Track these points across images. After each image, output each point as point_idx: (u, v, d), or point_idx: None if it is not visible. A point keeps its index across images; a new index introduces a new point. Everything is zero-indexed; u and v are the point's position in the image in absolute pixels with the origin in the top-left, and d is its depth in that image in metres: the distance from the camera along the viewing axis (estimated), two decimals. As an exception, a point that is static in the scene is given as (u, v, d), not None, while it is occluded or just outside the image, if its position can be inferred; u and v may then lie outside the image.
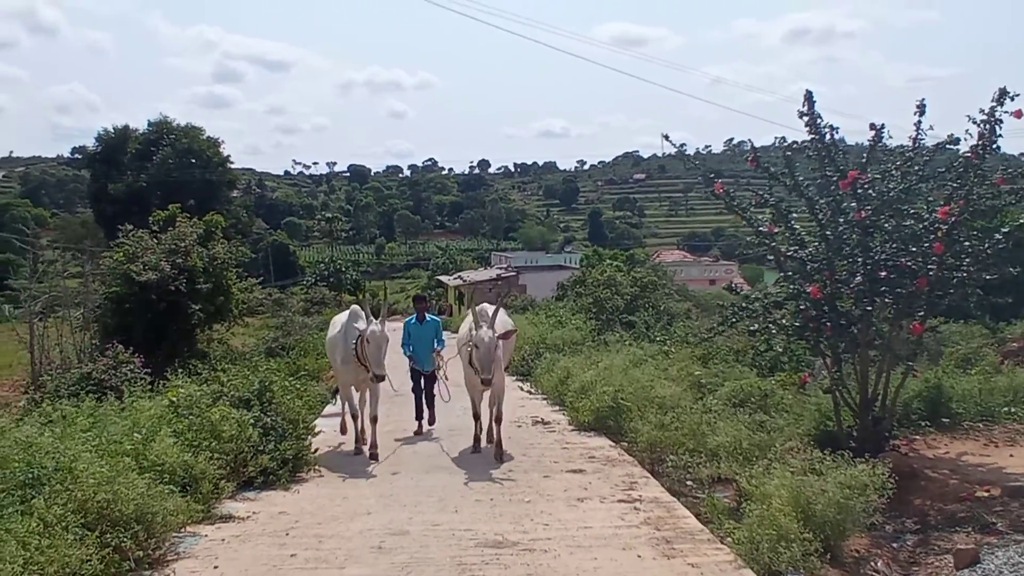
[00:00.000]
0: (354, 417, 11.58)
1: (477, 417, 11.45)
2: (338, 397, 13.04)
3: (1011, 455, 10.40)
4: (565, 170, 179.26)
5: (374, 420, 11.07)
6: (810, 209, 9.76)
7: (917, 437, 11.18)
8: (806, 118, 9.89)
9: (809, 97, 9.89)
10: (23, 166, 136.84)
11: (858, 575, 7.22)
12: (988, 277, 9.40)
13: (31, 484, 6.66)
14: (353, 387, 11.39)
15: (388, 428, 13.07)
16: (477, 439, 11.61)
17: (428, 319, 13.57)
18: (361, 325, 10.09)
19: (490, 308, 12.05)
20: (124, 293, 16.14)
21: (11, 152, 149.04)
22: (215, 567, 6.88)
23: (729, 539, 7.20)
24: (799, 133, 10.69)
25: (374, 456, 10.71)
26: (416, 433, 13.25)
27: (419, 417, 13.61)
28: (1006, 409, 12.47)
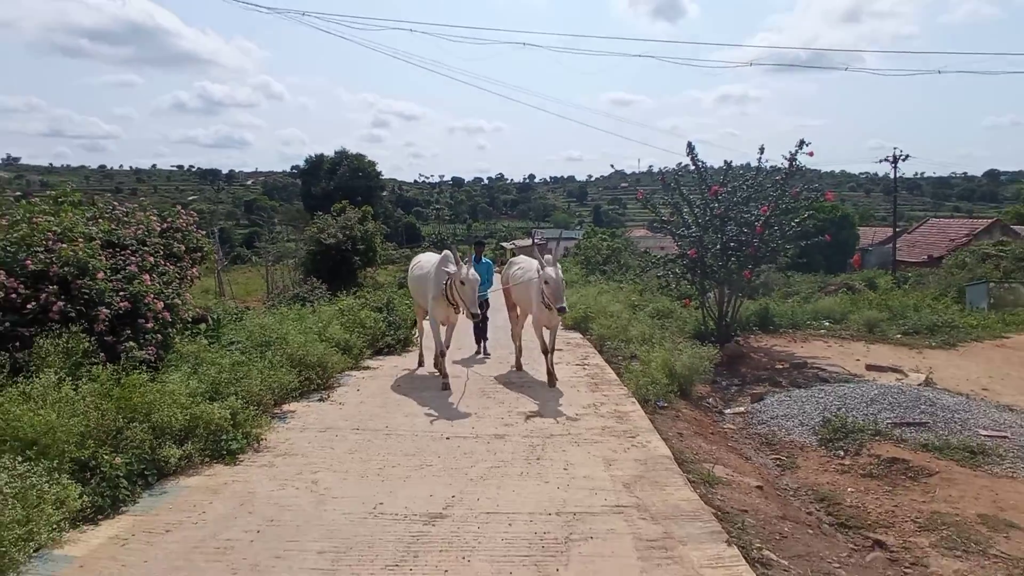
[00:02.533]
0: (441, 355, 7.60)
1: (546, 352, 7.67)
2: (416, 332, 9.62)
3: (802, 346, 10.96)
4: (580, 180, 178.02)
5: (443, 354, 7.59)
6: (690, 207, 10.01)
7: (750, 336, 11.74)
8: (689, 156, 10.00)
9: (690, 145, 9.86)
10: (263, 176, 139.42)
11: (698, 405, 7.72)
12: (788, 246, 9.86)
13: (265, 344, 7.06)
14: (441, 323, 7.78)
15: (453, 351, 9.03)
16: (549, 373, 7.62)
17: (483, 261, 9.73)
18: (451, 268, 7.30)
19: (523, 258, 8.90)
20: (317, 250, 16.34)
21: (256, 168, 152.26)
22: (358, 390, 7.23)
23: (629, 385, 7.39)
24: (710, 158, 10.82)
25: (446, 386, 7.30)
26: (476, 353, 9.61)
27: (478, 340, 9.82)
28: (810, 321, 13.04)
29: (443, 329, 7.80)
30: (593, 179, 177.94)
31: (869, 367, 9.29)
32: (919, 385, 8.10)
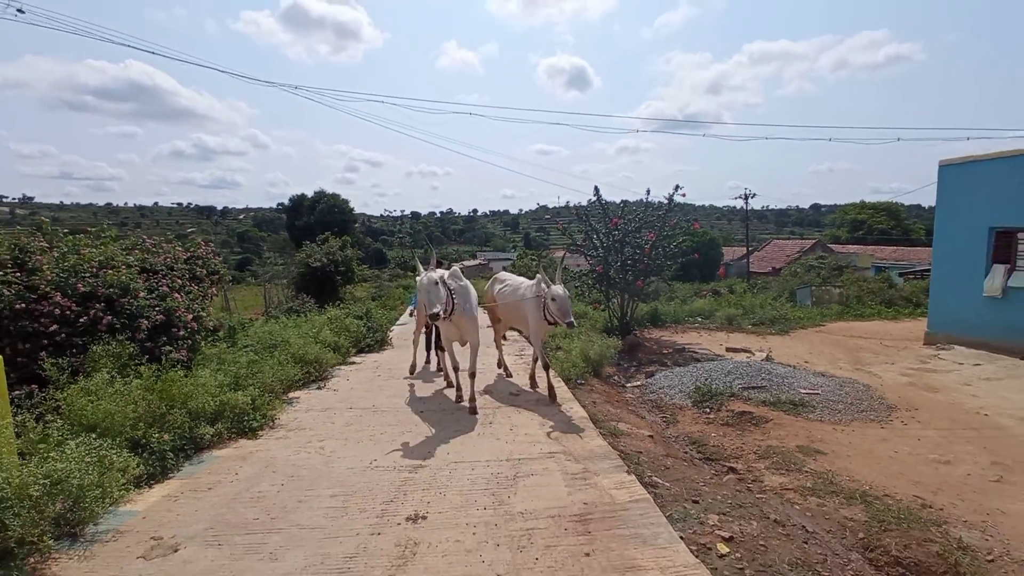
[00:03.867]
0: (547, 367, 6.19)
1: (547, 367, 6.25)
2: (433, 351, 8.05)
3: (681, 336, 11.67)
4: (514, 213, 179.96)
5: (473, 375, 5.83)
6: (597, 234, 10.57)
7: (644, 330, 12.42)
8: (596, 196, 10.65)
9: (596, 189, 10.36)
10: (253, 212, 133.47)
11: (606, 381, 8.20)
12: (669, 262, 10.53)
13: (272, 346, 7.07)
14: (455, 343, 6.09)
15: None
16: (551, 388, 6.19)
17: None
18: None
19: (507, 275, 7.50)
20: (306, 272, 16.18)
21: (247, 205, 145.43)
22: (347, 379, 7.16)
23: (555, 368, 7.53)
24: (610, 194, 11.51)
25: (473, 410, 5.59)
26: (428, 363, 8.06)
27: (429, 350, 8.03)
28: (687, 318, 13.88)
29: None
30: (523, 212, 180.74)
31: (728, 349, 10.06)
32: (762, 360, 8.89)
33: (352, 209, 56.17)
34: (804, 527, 3.70)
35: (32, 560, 2.81)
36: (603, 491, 3.73)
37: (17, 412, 3.64)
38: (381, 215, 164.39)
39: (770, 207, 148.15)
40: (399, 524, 3.26)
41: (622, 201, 11.17)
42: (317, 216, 47.96)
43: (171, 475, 4.02)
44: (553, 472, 4.09)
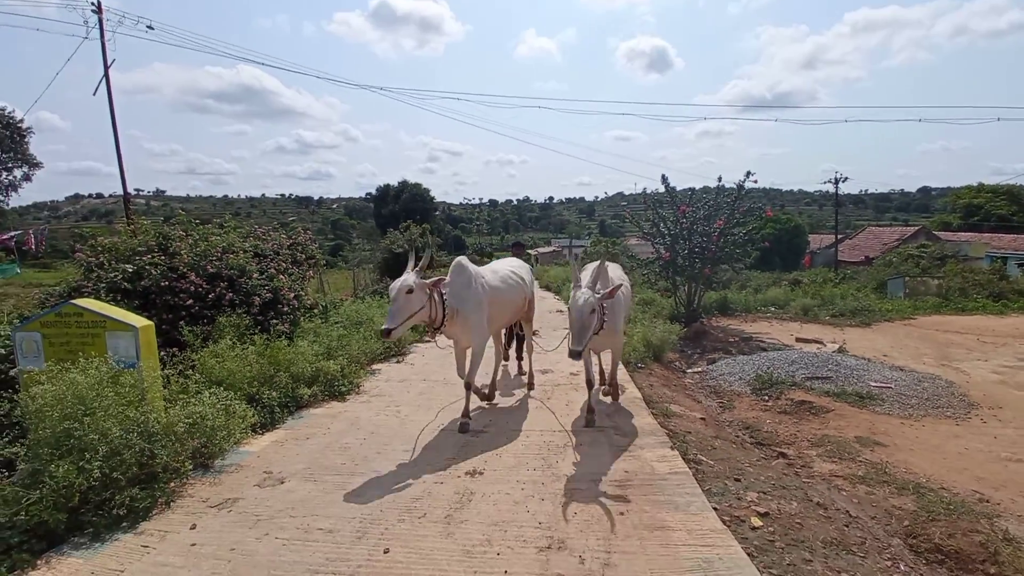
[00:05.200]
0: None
1: (590, 385, 4.78)
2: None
3: (751, 326, 11.35)
4: (589, 200, 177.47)
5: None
6: (664, 222, 10.50)
7: (712, 318, 12.14)
8: (664, 184, 10.56)
9: (664, 178, 10.24)
10: (345, 201, 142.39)
11: (667, 367, 8.24)
12: (738, 251, 10.22)
13: (359, 323, 7.64)
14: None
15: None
16: (590, 409, 4.72)
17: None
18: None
19: (594, 266, 4.73)
20: (389, 257, 17.04)
21: (339, 195, 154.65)
22: (423, 355, 7.52)
23: None
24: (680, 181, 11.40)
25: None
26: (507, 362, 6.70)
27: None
28: (759, 307, 13.35)
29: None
30: (599, 199, 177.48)
31: (799, 339, 9.69)
32: (833, 352, 8.51)
33: (433, 198, 58.41)
34: (848, 512, 3.72)
35: (172, 484, 3.53)
36: (645, 462, 3.95)
37: (163, 368, 4.48)
38: (460, 203, 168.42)
39: (868, 191, 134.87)
40: (459, 477, 3.71)
41: (690, 190, 10.93)
42: (401, 205, 50.39)
43: (278, 425, 4.74)
44: (601, 444, 4.35)
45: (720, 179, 10.44)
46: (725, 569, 2.67)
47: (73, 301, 3.95)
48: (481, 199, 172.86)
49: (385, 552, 2.76)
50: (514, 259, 5.88)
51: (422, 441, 4.37)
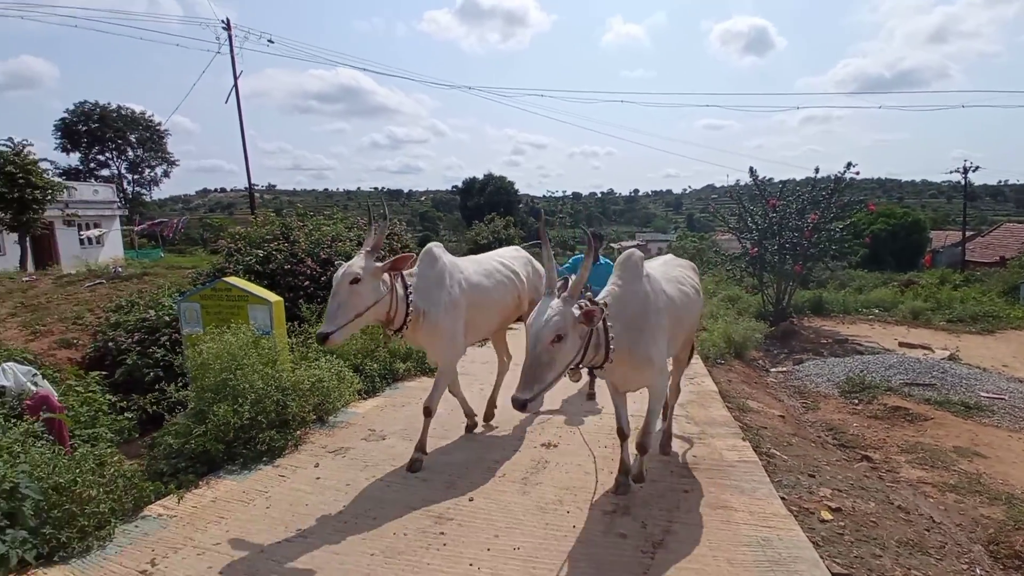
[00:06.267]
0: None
1: (622, 436, 3.19)
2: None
3: (848, 328, 10.67)
4: (676, 192, 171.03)
5: None
6: (751, 216, 10.14)
7: (804, 318, 11.50)
8: (752, 177, 10.12)
9: (752, 170, 9.84)
10: (432, 194, 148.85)
11: (749, 364, 8.06)
12: (835, 247, 9.63)
13: None
14: None
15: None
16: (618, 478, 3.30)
17: (601, 261, 5.15)
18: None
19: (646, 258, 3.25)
20: (473, 248, 17.26)
21: (427, 188, 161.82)
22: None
23: (696, 347, 8.10)
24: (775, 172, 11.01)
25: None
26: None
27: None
28: (860, 308, 12.43)
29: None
30: (688, 191, 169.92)
31: (902, 344, 9.03)
32: (942, 359, 7.88)
33: (517, 190, 59.33)
34: (930, 517, 3.64)
35: (299, 432, 4.23)
36: (714, 449, 4.09)
37: (289, 337, 5.28)
38: (544, 196, 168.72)
39: (1008, 182, 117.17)
40: (535, 447, 4.09)
41: (788, 181, 10.47)
42: (486, 197, 51.75)
43: (378, 393, 5.40)
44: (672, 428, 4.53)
45: (817, 170, 9.90)
46: (784, 548, 2.81)
47: (224, 279, 4.81)
48: (565, 192, 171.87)
49: (470, 500, 3.20)
50: (510, 249, 4.55)
51: (503, 417, 4.79)
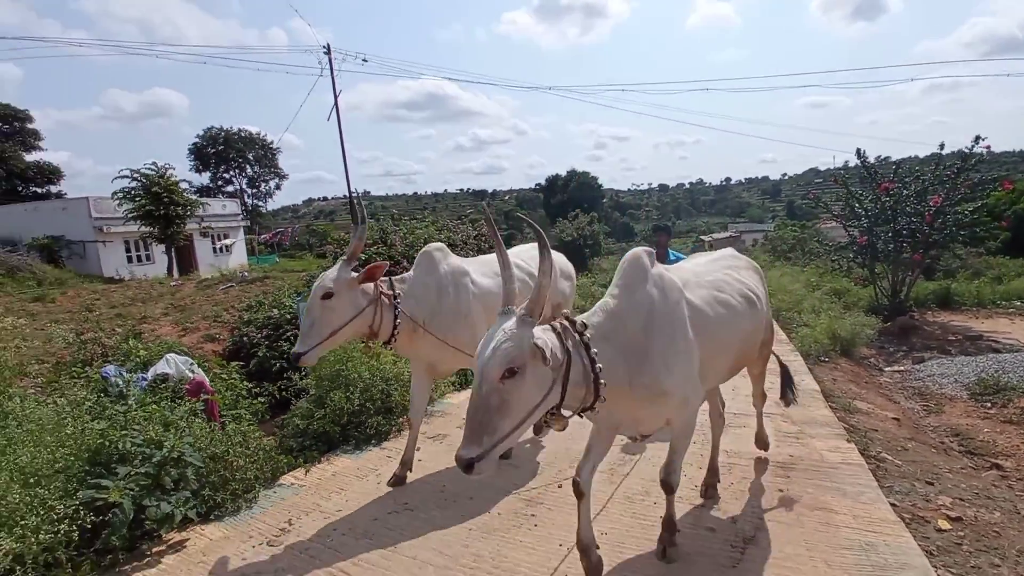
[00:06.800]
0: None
1: (578, 494, 2.27)
2: None
3: (982, 323, 9.44)
4: (774, 179, 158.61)
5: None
6: (859, 202, 9.29)
7: (927, 311, 10.36)
8: (859, 159, 9.22)
9: (859, 151, 8.95)
10: (516, 192, 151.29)
11: (858, 363, 7.44)
12: (962, 232, 8.55)
13: None
14: None
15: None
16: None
17: (671, 256, 5.08)
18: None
19: (704, 255, 3.17)
20: (558, 245, 17.21)
21: (510, 187, 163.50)
22: None
23: (795, 343, 7.29)
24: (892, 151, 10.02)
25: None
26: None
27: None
28: (999, 301, 10.92)
29: None
30: (787, 176, 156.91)
31: (1052, 341, 7.85)
32: (1105, 358, 6.77)
33: (600, 185, 58.59)
34: (1073, 532, 3.24)
35: (401, 419, 4.62)
36: (813, 450, 3.91)
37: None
38: (628, 189, 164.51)
39: None
40: (625, 441, 4.15)
41: (895, 164, 9.46)
42: (569, 193, 51.62)
43: (468, 388, 5.74)
44: (765, 428, 4.37)
45: (942, 146, 8.83)
46: (891, 555, 2.66)
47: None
48: (650, 184, 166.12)
49: (559, 487, 3.37)
50: (526, 247, 3.98)
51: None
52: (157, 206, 17.12)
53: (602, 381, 1.89)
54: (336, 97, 16.16)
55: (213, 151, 41.86)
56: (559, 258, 3.88)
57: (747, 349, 2.76)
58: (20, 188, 28.13)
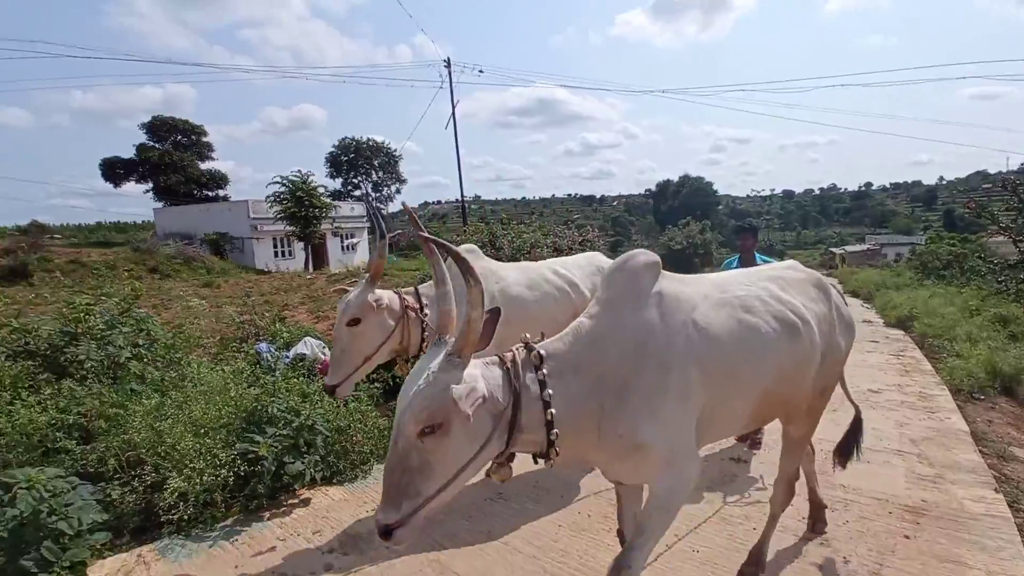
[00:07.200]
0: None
1: (621, 540, 2.09)
2: None
3: None
4: (928, 184, 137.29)
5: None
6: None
7: None
8: None
9: None
10: (624, 198, 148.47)
11: (1022, 403, 6.33)
12: None
13: None
14: None
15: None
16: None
17: (758, 260, 3.99)
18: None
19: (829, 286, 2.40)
20: (666, 254, 16.97)
21: (619, 192, 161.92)
22: None
23: (943, 375, 6.51)
24: None
25: None
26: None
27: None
28: None
29: None
30: (944, 181, 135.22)
31: None
32: None
33: (716, 191, 55.85)
34: None
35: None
36: (952, 497, 3.47)
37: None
38: (747, 195, 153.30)
39: None
40: (723, 460, 4.00)
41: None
42: (680, 200, 49.74)
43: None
44: (895, 467, 3.96)
45: None
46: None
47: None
48: (773, 190, 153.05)
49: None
50: (584, 256, 3.77)
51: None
52: (299, 208, 19.47)
53: (555, 431, 1.52)
54: (454, 108, 17.19)
55: (345, 159, 46.38)
56: (595, 257, 3.67)
57: (781, 395, 2.05)
58: (195, 191, 33.41)
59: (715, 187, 53.79)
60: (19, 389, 3.51)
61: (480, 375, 1.45)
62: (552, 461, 1.57)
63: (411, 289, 3.02)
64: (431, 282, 3.07)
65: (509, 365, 1.54)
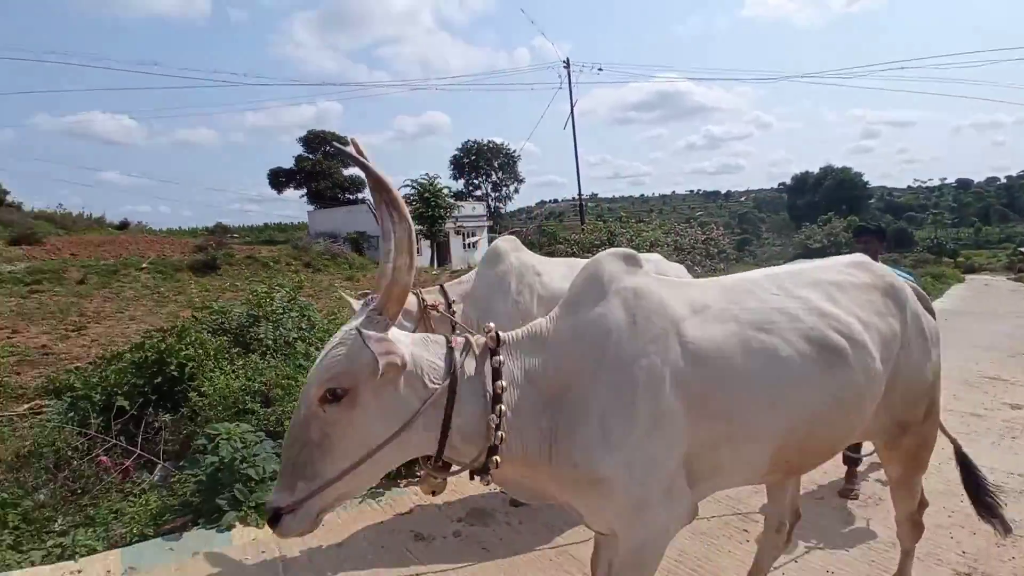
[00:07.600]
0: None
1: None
2: None
3: None
4: None
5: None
6: None
7: None
8: None
9: None
10: (754, 193, 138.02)
11: None
12: None
13: None
14: None
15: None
16: None
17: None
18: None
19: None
20: (801, 254, 15.56)
21: (748, 187, 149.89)
22: None
23: None
24: None
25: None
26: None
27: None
28: None
29: None
30: None
31: None
32: None
33: (866, 183, 49.28)
34: None
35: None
36: None
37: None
38: (908, 187, 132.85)
39: None
40: (867, 480, 3.64)
41: None
42: (822, 193, 44.69)
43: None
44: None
45: None
46: None
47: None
48: (943, 179, 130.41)
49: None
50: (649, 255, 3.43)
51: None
52: (426, 208, 20.99)
53: (499, 433, 1.23)
54: (572, 108, 17.29)
55: (467, 161, 48.78)
56: (658, 262, 3.32)
57: (819, 437, 1.53)
58: (339, 195, 37.52)
59: (865, 178, 47.25)
60: (219, 359, 4.32)
61: (409, 341, 1.24)
62: (490, 476, 1.29)
63: (437, 287, 2.88)
64: (462, 276, 2.97)
65: (464, 349, 1.30)
